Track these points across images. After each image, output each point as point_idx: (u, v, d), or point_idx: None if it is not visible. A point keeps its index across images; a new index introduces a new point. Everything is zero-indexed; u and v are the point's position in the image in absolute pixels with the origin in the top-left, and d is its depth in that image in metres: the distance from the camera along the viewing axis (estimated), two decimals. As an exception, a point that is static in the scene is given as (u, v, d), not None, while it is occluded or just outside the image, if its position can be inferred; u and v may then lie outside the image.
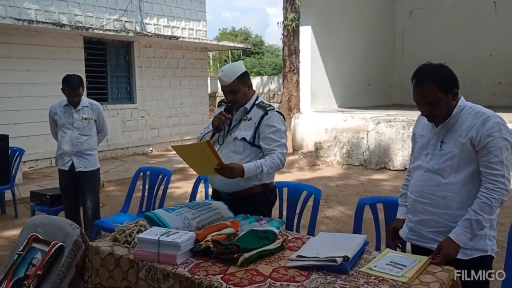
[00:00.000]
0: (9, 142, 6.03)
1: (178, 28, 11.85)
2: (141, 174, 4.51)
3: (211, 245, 2.26)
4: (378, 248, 2.82)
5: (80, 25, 9.51)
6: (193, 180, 7.74)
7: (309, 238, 2.53)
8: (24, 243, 2.81)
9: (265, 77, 19.49)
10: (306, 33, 10.22)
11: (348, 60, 11.39)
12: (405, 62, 13.44)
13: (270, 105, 3.05)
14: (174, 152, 10.58)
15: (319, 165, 9.03)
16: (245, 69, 3.00)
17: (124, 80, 10.78)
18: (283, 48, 16.09)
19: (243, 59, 33.92)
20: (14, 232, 5.45)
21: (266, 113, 2.94)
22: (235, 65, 3.01)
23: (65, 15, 9.46)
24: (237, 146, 2.97)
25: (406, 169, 8.17)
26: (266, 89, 18.91)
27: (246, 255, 2.16)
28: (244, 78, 2.97)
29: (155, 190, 4.38)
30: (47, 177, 8.27)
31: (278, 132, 2.92)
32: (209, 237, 2.33)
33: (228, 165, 2.72)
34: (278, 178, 3.32)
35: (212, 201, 2.88)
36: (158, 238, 2.25)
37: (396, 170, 8.21)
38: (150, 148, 11.21)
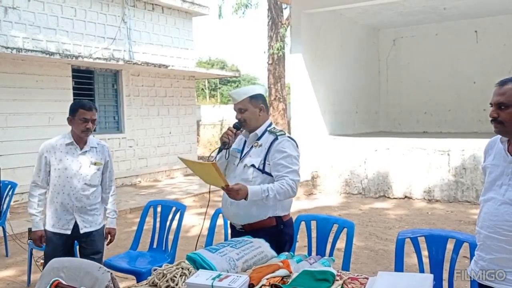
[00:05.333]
0: (0, 175, 5.71)
1: (166, 56, 11.71)
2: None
3: (270, 290, 2.06)
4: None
5: (69, 53, 9.27)
6: (192, 212, 7.55)
7: (365, 278, 2.34)
8: (46, 291, 2.52)
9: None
10: (297, 61, 10.21)
11: (337, 87, 11.41)
12: (390, 90, 13.60)
13: (281, 130, 2.95)
14: (164, 183, 10.30)
15: (315, 194, 8.88)
16: (260, 92, 2.98)
17: (112, 109, 10.52)
18: (268, 77, 16.11)
19: (219, 88, 33.91)
20: (8, 273, 5.09)
21: (276, 138, 2.85)
22: (250, 86, 3.03)
23: (53, 43, 9.21)
24: (247, 173, 2.87)
25: (406, 197, 8.18)
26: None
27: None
28: (256, 99, 2.92)
29: (167, 225, 4.15)
30: (34, 211, 7.86)
31: (289, 158, 2.80)
32: (264, 281, 2.14)
33: (233, 186, 2.64)
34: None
35: (251, 238, 2.68)
36: (212, 283, 2.04)
37: (396, 198, 8.12)
38: (139, 179, 10.88)
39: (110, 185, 3.62)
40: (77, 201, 3.38)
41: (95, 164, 3.46)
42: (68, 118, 3.41)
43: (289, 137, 2.89)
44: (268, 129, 2.95)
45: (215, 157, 2.99)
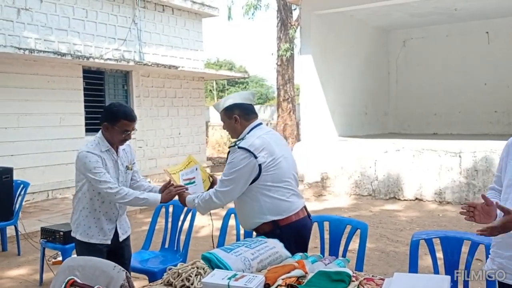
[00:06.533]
0: (13, 175, 5.77)
1: (175, 57, 11.75)
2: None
3: (286, 290, 2.06)
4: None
5: (80, 54, 9.34)
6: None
7: (380, 279, 2.33)
8: (62, 289, 2.53)
9: (257, 106, 19.43)
10: (307, 62, 10.20)
11: (346, 89, 11.38)
12: (399, 91, 13.53)
13: (236, 141, 2.83)
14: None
15: (325, 195, 8.86)
16: (235, 102, 2.89)
17: (122, 110, 10.56)
18: (277, 78, 16.07)
19: (227, 89, 33.93)
20: (20, 272, 5.13)
21: (229, 152, 2.85)
22: (225, 98, 3.00)
23: (64, 44, 9.28)
24: None
25: (417, 199, 8.14)
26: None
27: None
28: (230, 110, 2.89)
29: (178, 225, 4.16)
30: (45, 211, 7.92)
31: (226, 169, 2.80)
32: (280, 281, 2.13)
33: (179, 192, 3.04)
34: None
35: (265, 238, 2.68)
36: (228, 283, 2.04)
37: (407, 200, 8.08)
38: (148, 179, 10.88)
39: (140, 176, 3.40)
40: (120, 209, 3.21)
41: (128, 168, 3.23)
42: (103, 125, 3.06)
43: (239, 147, 2.75)
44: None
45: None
